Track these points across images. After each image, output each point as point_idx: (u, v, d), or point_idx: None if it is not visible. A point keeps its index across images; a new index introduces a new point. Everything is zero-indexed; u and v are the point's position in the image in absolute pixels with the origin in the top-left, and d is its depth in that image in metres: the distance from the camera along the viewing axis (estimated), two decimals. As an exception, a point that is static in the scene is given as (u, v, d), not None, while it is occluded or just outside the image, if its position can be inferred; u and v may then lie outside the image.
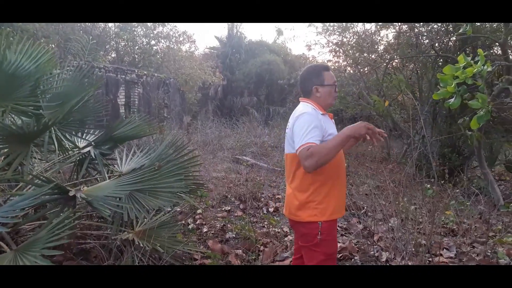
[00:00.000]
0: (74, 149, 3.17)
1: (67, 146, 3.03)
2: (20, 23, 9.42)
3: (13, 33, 9.51)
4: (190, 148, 7.91)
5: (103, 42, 12.86)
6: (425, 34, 7.48)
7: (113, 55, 14.59)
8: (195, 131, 10.78)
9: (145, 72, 9.89)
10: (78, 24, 10.81)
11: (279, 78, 17.54)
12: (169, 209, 3.54)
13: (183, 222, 4.06)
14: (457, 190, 7.01)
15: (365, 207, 5.10)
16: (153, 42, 14.64)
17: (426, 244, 3.42)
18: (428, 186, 4.45)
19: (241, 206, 4.86)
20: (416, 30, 7.53)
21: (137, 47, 14.21)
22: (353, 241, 3.78)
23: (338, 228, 4.24)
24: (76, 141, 3.25)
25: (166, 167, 2.96)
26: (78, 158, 3.25)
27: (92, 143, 3.22)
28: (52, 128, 2.90)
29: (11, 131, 2.34)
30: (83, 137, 3.39)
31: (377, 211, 5.15)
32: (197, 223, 4.14)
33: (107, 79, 8.18)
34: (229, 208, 4.81)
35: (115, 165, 3.45)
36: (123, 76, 8.82)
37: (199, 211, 4.36)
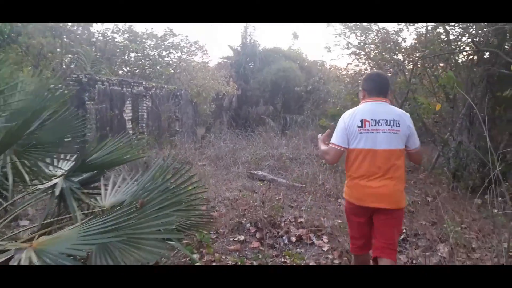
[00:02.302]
0: (43, 181, 2.53)
1: (29, 177, 2.39)
2: (27, 40, 9.06)
3: (19, 49, 9.17)
4: (195, 168, 7.26)
5: (111, 55, 12.48)
6: (459, 28, 6.67)
7: (123, 69, 14.21)
8: (208, 145, 10.14)
9: (154, 84, 9.35)
10: (84, 36, 10.48)
11: (295, 85, 16.80)
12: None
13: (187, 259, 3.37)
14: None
15: (404, 231, 4.30)
16: (164, 53, 14.20)
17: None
18: (499, 212, 3.61)
19: (258, 235, 4.14)
20: (446, 26, 6.75)
21: (147, 59, 13.77)
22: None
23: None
24: (44, 170, 2.60)
25: (157, 201, 2.27)
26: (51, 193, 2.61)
27: (64, 172, 2.56)
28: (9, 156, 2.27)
29: None
30: (57, 164, 2.74)
31: (419, 234, 4.36)
32: (204, 260, 3.45)
33: (111, 93, 7.65)
34: (243, 238, 4.10)
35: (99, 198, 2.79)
36: (129, 89, 8.28)
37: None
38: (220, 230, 4.24)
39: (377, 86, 2.49)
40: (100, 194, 2.74)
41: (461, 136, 6.83)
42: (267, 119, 16.08)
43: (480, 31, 6.14)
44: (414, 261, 3.40)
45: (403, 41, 7.98)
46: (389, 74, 8.72)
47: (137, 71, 13.70)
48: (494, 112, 6.21)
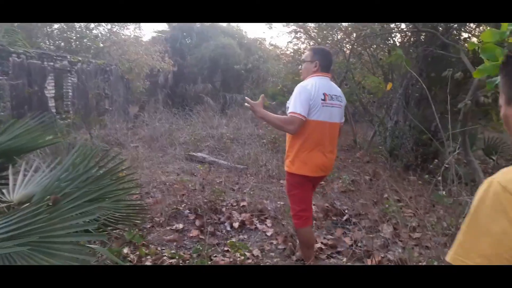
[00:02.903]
0: None
1: None
2: None
3: None
4: (127, 151, 6.72)
5: (31, 26, 11.13)
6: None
7: (46, 41, 12.78)
8: (141, 125, 9.51)
9: (80, 59, 8.42)
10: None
11: (235, 63, 16.36)
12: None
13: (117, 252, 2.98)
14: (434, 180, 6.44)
15: (346, 211, 4.27)
16: (92, 25, 12.99)
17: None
18: (443, 193, 3.65)
19: (197, 223, 3.85)
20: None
21: (73, 31, 12.51)
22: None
23: (323, 247, 3.37)
24: None
25: (76, 195, 1.88)
26: None
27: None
28: None
29: None
30: None
31: (361, 215, 4.36)
32: (137, 253, 3.09)
33: (29, 67, 6.72)
34: (181, 226, 3.79)
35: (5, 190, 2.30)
36: (52, 64, 7.35)
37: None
38: (156, 218, 3.88)
39: (329, 63, 2.66)
40: (7, 185, 2.27)
41: (397, 116, 7.02)
42: (205, 98, 15.57)
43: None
44: (359, 244, 3.34)
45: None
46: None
47: (62, 44, 12.43)
48: (429, 92, 6.43)
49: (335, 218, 4.19)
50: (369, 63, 7.75)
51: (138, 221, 2.64)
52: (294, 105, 2.45)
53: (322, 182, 4.87)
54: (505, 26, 1.63)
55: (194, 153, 6.96)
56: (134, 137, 8.83)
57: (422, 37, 6.88)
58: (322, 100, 2.48)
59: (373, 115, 7.74)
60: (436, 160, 7.66)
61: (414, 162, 6.69)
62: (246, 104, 2.60)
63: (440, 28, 6.32)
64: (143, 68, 12.26)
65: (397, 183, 5.46)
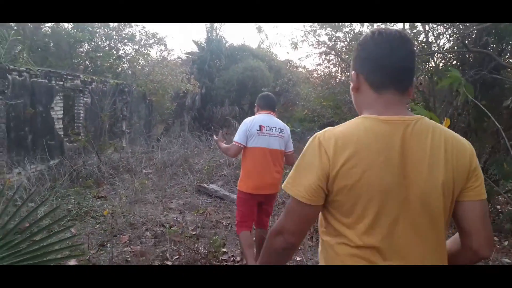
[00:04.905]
0: None
1: None
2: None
3: None
4: (137, 178, 6.07)
5: (64, 46, 11.03)
6: (442, 27, 5.86)
7: (74, 61, 12.70)
8: (157, 149, 8.92)
9: (94, 77, 8.02)
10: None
11: (263, 85, 15.74)
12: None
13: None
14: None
15: None
16: (119, 45, 12.84)
17: None
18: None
19: None
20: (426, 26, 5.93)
21: (99, 51, 12.33)
22: None
23: None
24: None
25: None
26: None
27: None
28: None
29: None
30: None
31: None
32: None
33: (33, 85, 6.32)
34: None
35: None
36: (61, 83, 6.95)
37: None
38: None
39: (268, 103, 3.29)
40: None
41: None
42: (232, 121, 14.99)
43: (465, 31, 5.35)
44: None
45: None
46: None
47: (87, 63, 12.27)
48: (479, 122, 5.46)
49: None
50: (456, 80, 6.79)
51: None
52: (236, 135, 3.16)
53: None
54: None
55: (205, 185, 6.23)
56: (149, 162, 8.25)
57: (471, 59, 5.95)
58: (258, 130, 3.11)
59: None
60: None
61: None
62: (215, 137, 3.42)
63: (489, 49, 5.40)
64: (167, 89, 11.84)
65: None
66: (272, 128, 3.13)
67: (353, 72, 1.15)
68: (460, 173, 1.03)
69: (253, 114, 3.31)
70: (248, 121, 3.16)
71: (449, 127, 1.61)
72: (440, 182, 1.00)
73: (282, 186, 1.09)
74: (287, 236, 1.06)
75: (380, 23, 6.77)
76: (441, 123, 2.08)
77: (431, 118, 1.85)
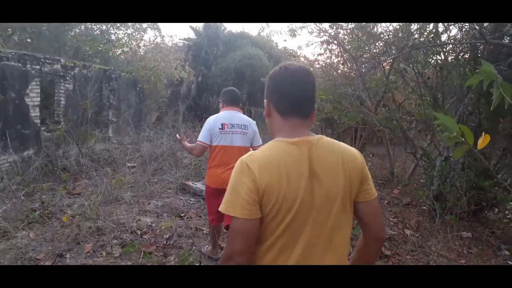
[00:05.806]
0: None
1: None
2: None
3: None
4: (119, 172, 5.56)
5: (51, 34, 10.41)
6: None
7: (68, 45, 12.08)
8: (144, 140, 8.38)
9: (76, 62, 7.43)
10: None
11: (262, 75, 15.14)
12: None
13: None
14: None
15: None
16: (112, 29, 12.20)
17: None
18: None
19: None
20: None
21: (89, 37, 11.66)
22: None
23: None
24: None
25: None
26: None
27: None
28: None
29: None
30: None
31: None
32: None
33: (3, 70, 5.74)
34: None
35: None
36: (38, 67, 6.38)
37: None
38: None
39: (232, 99, 3.30)
40: None
41: (448, 150, 5.51)
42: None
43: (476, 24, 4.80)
44: None
45: (385, 33, 6.54)
46: (364, 70, 7.28)
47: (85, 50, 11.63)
48: (493, 123, 4.95)
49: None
50: (414, 81, 6.27)
51: None
52: (200, 135, 3.20)
53: None
54: None
55: (190, 183, 5.72)
56: (135, 155, 7.73)
57: (485, 52, 5.41)
58: (220, 129, 3.13)
59: (417, 147, 6.23)
60: (496, 209, 6.07)
61: (466, 209, 5.15)
62: (177, 136, 3.40)
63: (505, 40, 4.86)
64: (159, 76, 11.24)
65: (447, 243, 4.09)
66: (235, 125, 3.18)
67: (265, 100, 1.34)
68: (355, 179, 1.25)
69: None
70: (211, 119, 3.21)
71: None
72: (342, 188, 1.22)
73: (221, 209, 1.18)
74: (237, 259, 1.14)
75: (379, 23, 6.24)
76: (479, 136, 1.61)
77: (462, 133, 1.42)
